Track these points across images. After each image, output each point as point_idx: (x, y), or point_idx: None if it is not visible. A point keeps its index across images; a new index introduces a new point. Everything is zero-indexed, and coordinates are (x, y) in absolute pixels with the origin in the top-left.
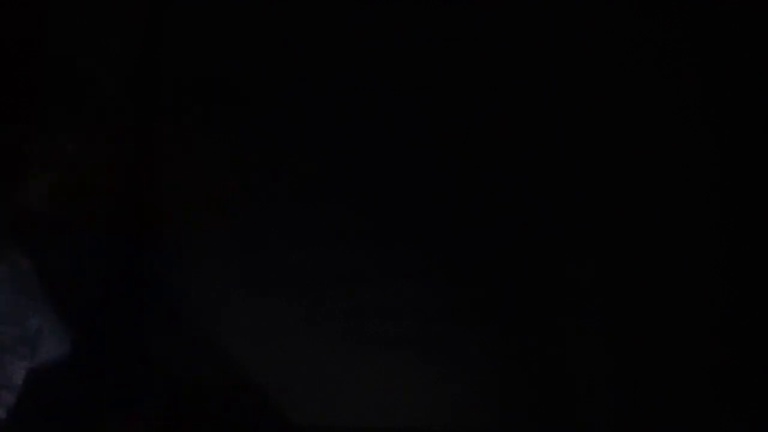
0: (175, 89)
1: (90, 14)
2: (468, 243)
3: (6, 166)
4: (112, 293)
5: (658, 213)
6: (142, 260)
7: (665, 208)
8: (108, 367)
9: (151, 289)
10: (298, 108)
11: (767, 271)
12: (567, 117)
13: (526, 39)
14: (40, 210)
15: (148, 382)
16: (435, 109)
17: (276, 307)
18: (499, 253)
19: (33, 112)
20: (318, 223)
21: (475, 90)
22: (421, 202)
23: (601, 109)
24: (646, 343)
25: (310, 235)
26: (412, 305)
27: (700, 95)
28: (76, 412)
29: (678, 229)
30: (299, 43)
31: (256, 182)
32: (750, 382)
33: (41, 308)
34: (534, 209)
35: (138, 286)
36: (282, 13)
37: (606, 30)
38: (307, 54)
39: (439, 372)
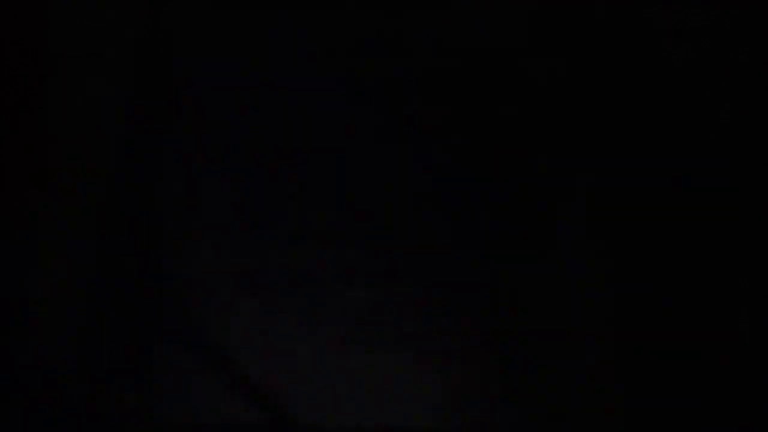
0: (175, 89)
1: (90, 14)
2: (468, 243)
3: (6, 165)
4: (111, 292)
5: (654, 211)
6: (141, 259)
7: (662, 208)
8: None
9: (150, 290)
10: (299, 109)
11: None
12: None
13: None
14: (41, 209)
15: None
16: (434, 110)
17: (275, 307)
18: (499, 253)
19: (33, 112)
20: (317, 224)
21: (469, 91)
22: (421, 202)
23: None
24: (644, 343)
25: (310, 235)
26: (412, 305)
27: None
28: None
29: (675, 227)
30: (298, 47)
31: (256, 182)
32: (750, 382)
33: None
34: (534, 210)
35: (137, 287)
36: (280, 15)
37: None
38: (308, 59)
39: (437, 372)
